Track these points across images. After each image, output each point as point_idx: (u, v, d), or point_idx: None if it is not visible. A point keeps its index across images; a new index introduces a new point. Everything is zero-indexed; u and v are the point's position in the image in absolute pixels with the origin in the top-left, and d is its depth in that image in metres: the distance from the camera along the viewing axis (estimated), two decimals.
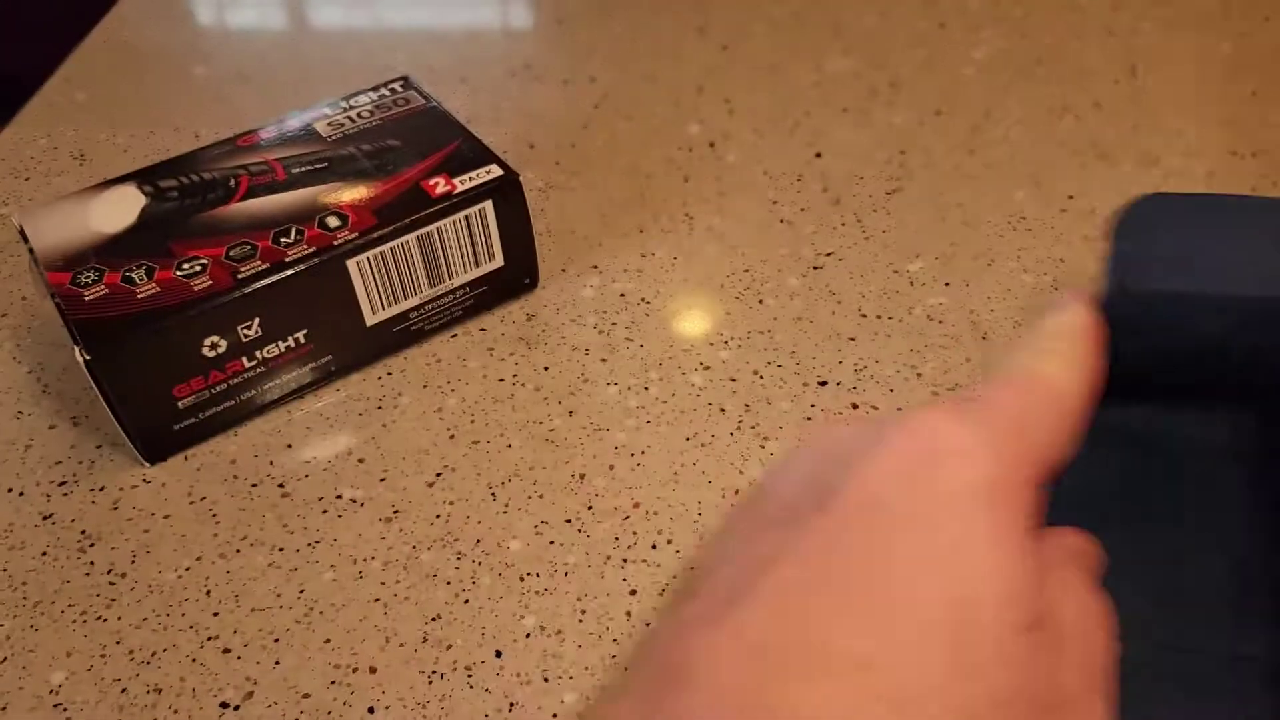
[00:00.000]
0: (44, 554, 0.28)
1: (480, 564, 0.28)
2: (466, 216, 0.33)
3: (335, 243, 0.31)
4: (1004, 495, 0.16)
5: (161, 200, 0.33)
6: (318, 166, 0.34)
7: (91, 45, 0.50)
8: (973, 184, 0.40)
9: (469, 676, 0.25)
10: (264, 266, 0.30)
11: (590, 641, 0.25)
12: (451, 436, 0.31)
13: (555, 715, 0.24)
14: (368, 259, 0.31)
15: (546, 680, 0.25)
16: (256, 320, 0.30)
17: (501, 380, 0.33)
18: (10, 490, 0.30)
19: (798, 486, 0.17)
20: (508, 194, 0.33)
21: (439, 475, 0.30)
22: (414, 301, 0.33)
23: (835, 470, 0.17)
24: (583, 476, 0.30)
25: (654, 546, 0.28)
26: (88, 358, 0.28)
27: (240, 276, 0.30)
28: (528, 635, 0.26)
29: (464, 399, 0.32)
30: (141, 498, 0.30)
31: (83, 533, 0.29)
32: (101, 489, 0.30)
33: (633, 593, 0.26)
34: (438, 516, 0.29)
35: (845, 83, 0.45)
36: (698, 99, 0.45)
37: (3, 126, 0.45)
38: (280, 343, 0.31)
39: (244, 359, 0.31)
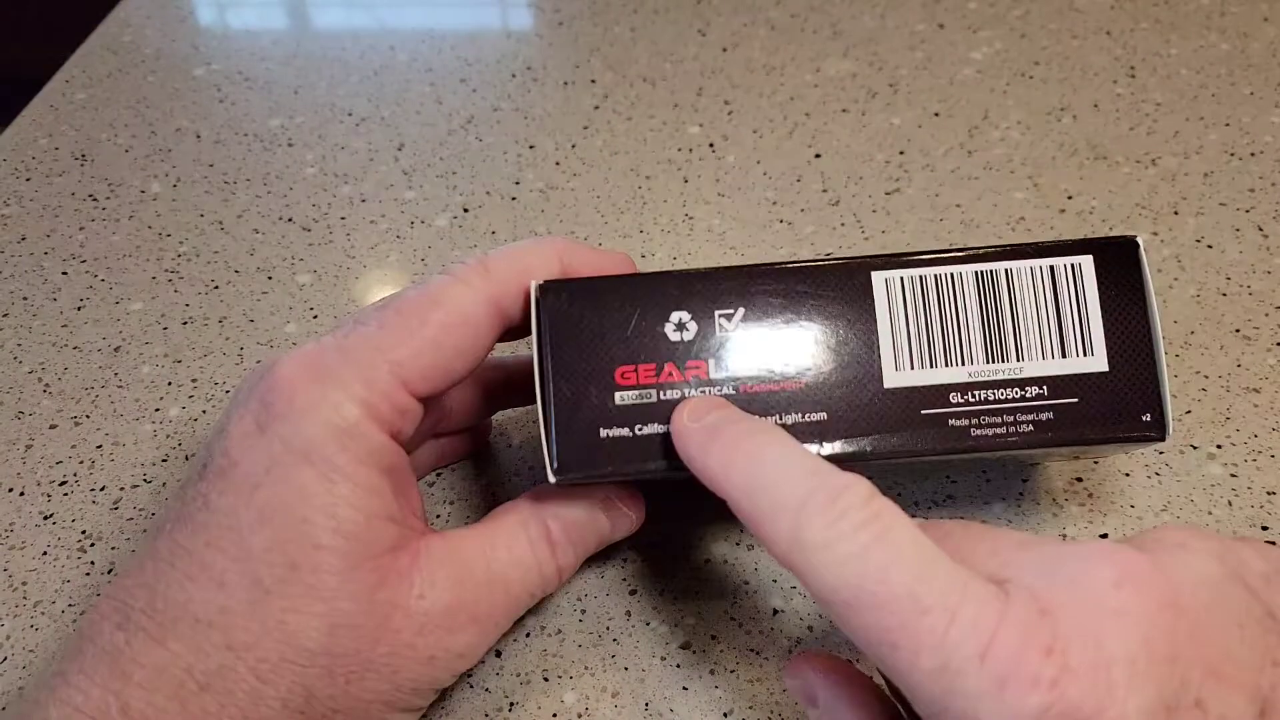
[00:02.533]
0: (44, 554, 0.28)
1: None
2: (1052, 267, 0.22)
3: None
4: (347, 438, 0.20)
5: None
6: None
7: (92, 46, 0.50)
8: (971, 185, 0.40)
9: (469, 676, 0.25)
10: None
11: (590, 641, 0.26)
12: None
13: (555, 715, 0.24)
14: (902, 279, 0.22)
15: (546, 680, 0.25)
16: (742, 310, 0.22)
17: None
18: (10, 490, 0.30)
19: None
20: (1119, 259, 0.22)
21: (439, 475, 0.30)
22: (958, 376, 0.22)
23: (215, 439, 0.21)
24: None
25: (654, 546, 0.28)
26: (538, 296, 0.22)
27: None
28: (527, 635, 0.26)
29: None
30: (142, 498, 0.30)
31: (83, 533, 0.29)
32: (102, 489, 0.30)
33: (633, 592, 0.26)
34: (437, 516, 0.29)
35: (844, 84, 0.46)
36: (698, 100, 0.45)
37: (4, 127, 0.45)
38: (764, 360, 0.22)
39: (712, 360, 0.22)
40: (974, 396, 0.22)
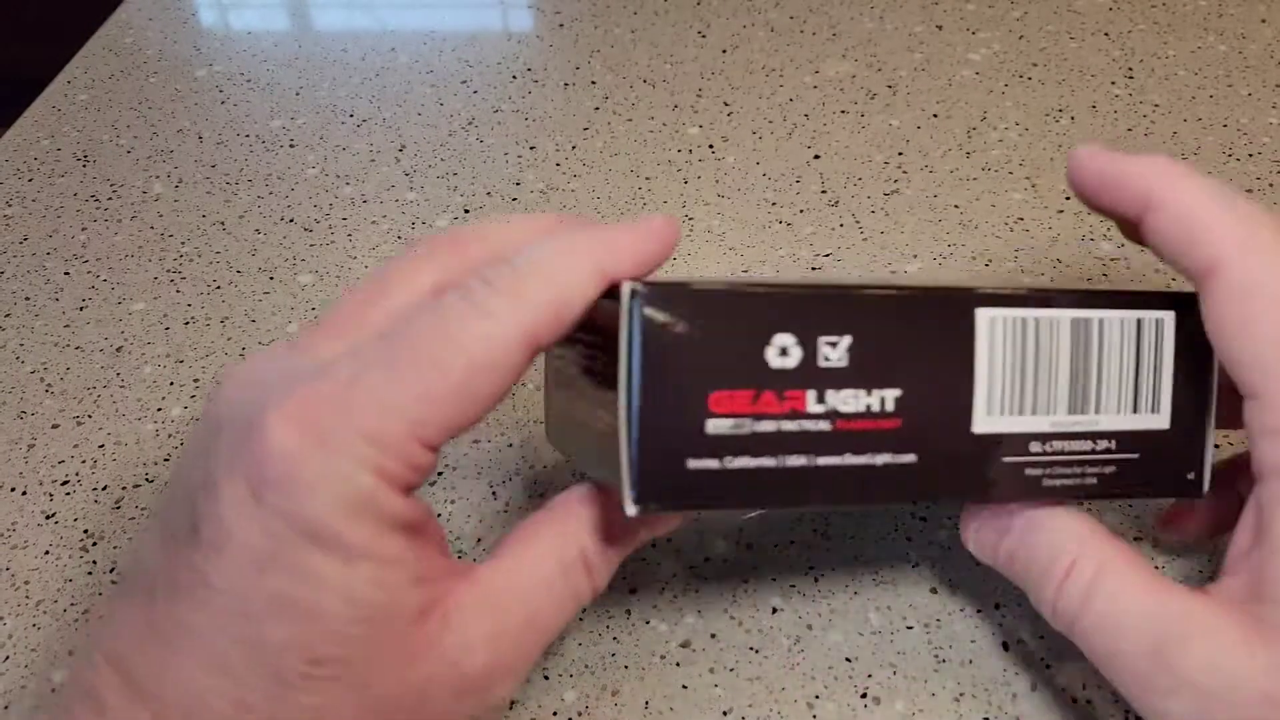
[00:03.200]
0: (46, 553, 0.28)
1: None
2: (1139, 321, 0.21)
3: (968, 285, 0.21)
4: (361, 511, 0.18)
5: None
6: None
7: (94, 47, 0.50)
8: (970, 186, 0.40)
9: None
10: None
11: (590, 640, 0.26)
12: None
13: (555, 714, 0.24)
14: (1006, 319, 0.21)
15: (547, 679, 0.25)
16: (848, 339, 0.20)
17: None
18: (13, 489, 0.30)
19: (179, 507, 0.19)
20: (1195, 316, 0.21)
21: (440, 474, 0.30)
22: (1042, 425, 0.21)
23: (203, 497, 0.18)
24: (583, 475, 0.30)
25: (654, 545, 0.28)
26: (630, 302, 0.19)
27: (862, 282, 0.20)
28: None
29: None
30: (145, 497, 0.30)
31: (85, 532, 0.29)
32: (104, 488, 0.30)
33: (633, 591, 0.27)
34: (438, 516, 0.29)
35: (843, 85, 0.46)
36: (697, 102, 0.45)
37: (6, 128, 0.45)
38: (864, 394, 0.20)
39: (812, 392, 0.20)
40: (1052, 447, 0.21)
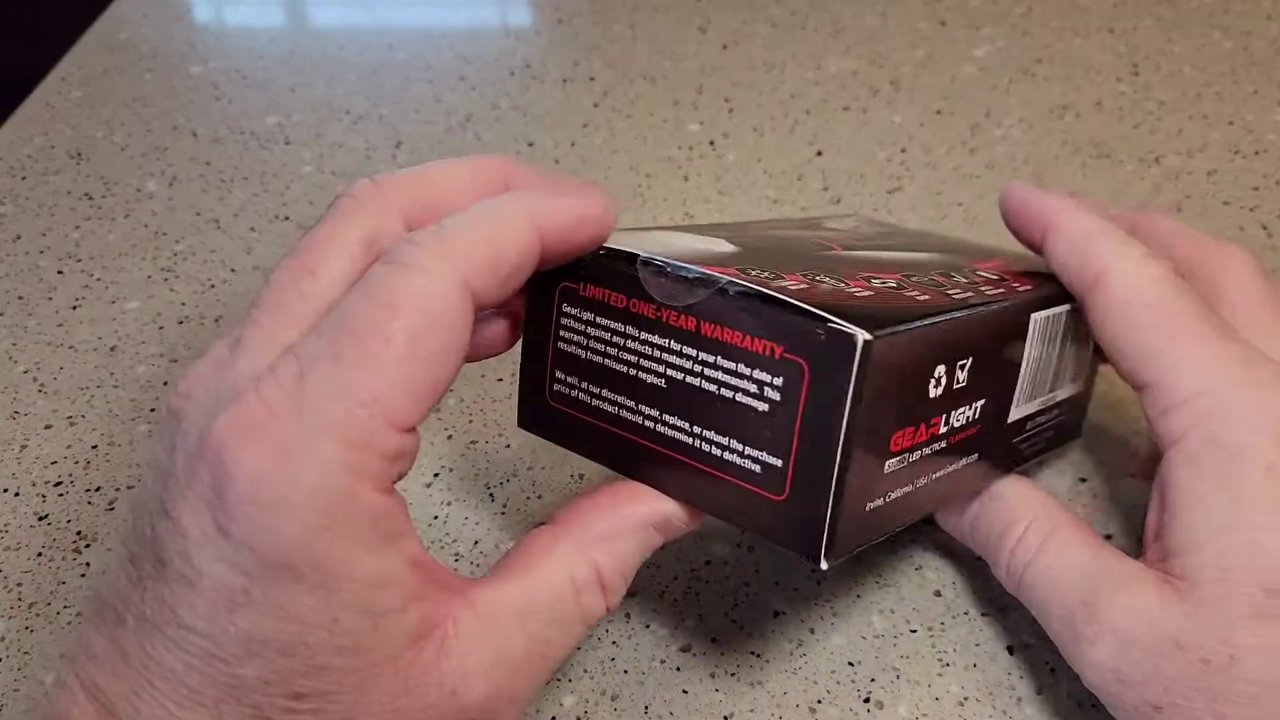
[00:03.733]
0: (39, 555, 0.28)
1: (479, 565, 0.27)
2: (1075, 309, 0.23)
3: (1017, 288, 0.22)
4: (336, 525, 0.16)
5: (744, 241, 0.23)
6: (897, 240, 0.27)
7: (88, 43, 0.50)
8: (973, 183, 0.39)
9: None
10: (967, 294, 0.21)
11: (589, 644, 0.25)
12: (449, 437, 0.31)
13: (554, 719, 0.24)
14: (1048, 318, 0.22)
15: (545, 682, 0.25)
16: (971, 359, 0.20)
17: (500, 380, 0.33)
18: (5, 490, 0.30)
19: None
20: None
21: (436, 475, 0.30)
22: (1037, 405, 0.23)
23: (165, 529, 0.17)
24: (582, 476, 0.29)
25: None
26: (869, 338, 0.17)
27: (955, 296, 0.20)
28: None
29: (462, 398, 0.32)
30: None
31: (78, 533, 0.29)
32: (98, 489, 0.30)
33: (632, 595, 0.26)
34: (435, 518, 0.29)
35: (845, 82, 0.45)
36: (698, 98, 0.45)
37: None
38: (968, 408, 0.20)
39: (944, 417, 0.20)
40: (1036, 422, 0.24)
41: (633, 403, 0.20)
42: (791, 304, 0.18)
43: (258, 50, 0.49)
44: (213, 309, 0.35)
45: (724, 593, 0.26)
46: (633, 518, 0.20)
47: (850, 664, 0.24)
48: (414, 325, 0.16)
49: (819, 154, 0.41)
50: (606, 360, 0.20)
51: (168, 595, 0.16)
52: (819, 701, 0.24)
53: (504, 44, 0.49)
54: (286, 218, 0.39)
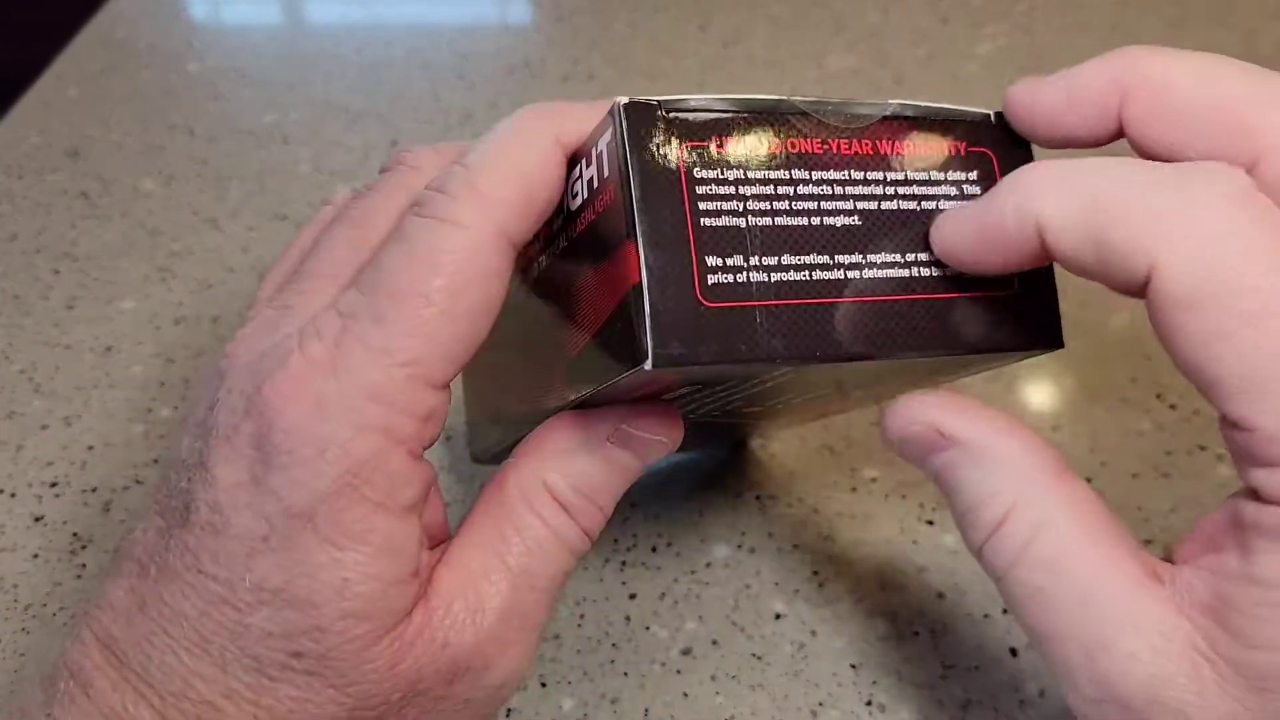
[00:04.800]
0: (35, 556, 0.28)
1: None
2: None
3: None
4: (363, 484, 0.17)
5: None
6: None
7: (84, 41, 0.50)
8: None
9: None
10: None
11: (589, 646, 0.25)
12: (449, 437, 0.31)
13: None
14: None
15: (544, 685, 0.24)
16: None
17: None
18: (1, 491, 0.30)
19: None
20: None
21: (435, 476, 0.30)
22: None
23: (198, 477, 0.17)
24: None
25: (654, 549, 0.27)
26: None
27: None
28: None
29: (461, 398, 0.32)
30: (134, 499, 0.29)
31: (74, 535, 0.28)
32: (94, 490, 0.30)
33: (632, 597, 0.26)
34: None
35: (847, 80, 0.45)
36: None
37: None
38: None
39: None
40: None
41: (828, 256, 0.17)
42: (949, 108, 0.18)
43: (255, 48, 0.49)
44: (210, 308, 0.35)
45: (724, 595, 0.26)
46: (582, 432, 0.19)
47: (852, 666, 0.24)
48: (454, 284, 0.16)
49: None
50: (776, 218, 0.17)
51: (192, 543, 0.17)
52: (821, 704, 0.24)
53: (503, 41, 0.49)
54: (284, 217, 0.39)
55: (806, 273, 0.17)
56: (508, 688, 0.19)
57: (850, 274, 0.17)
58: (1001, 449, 0.17)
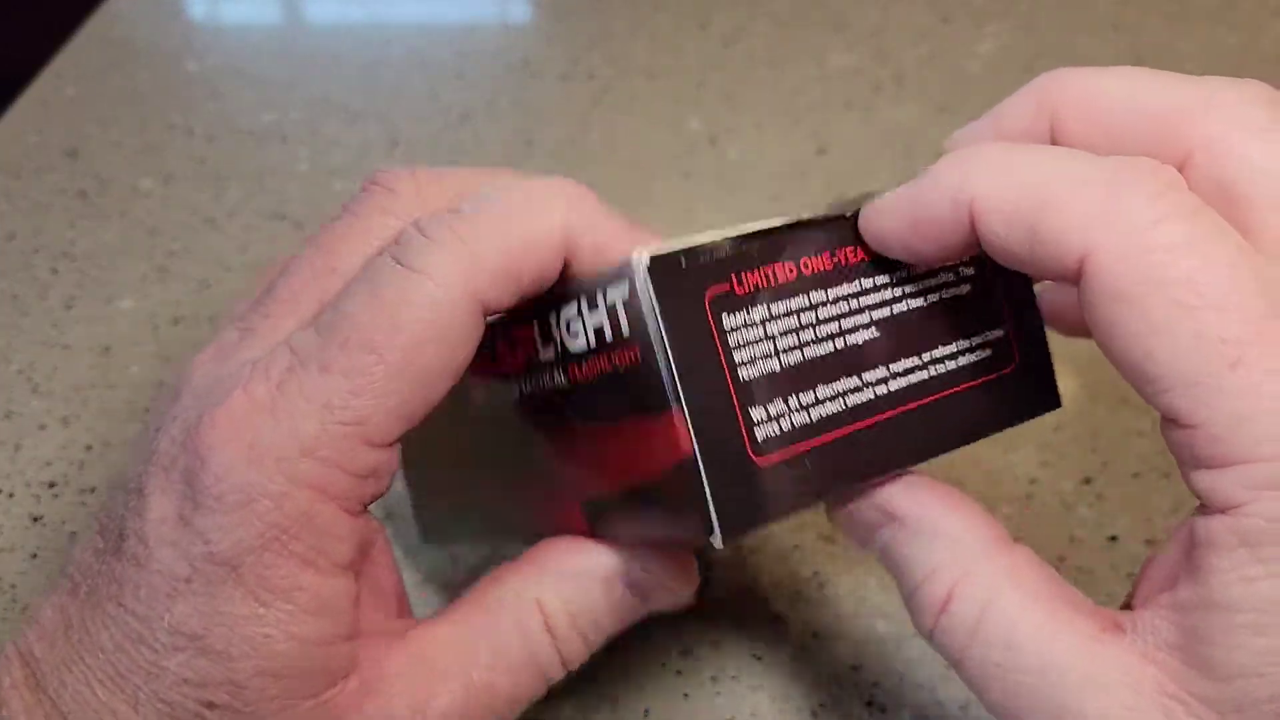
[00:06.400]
0: (34, 556, 0.28)
1: (477, 569, 0.27)
2: None
3: None
4: (290, 539, 0.16)
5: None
6: None
7: (82, 40, 0.49)
8: None
9: None
10: None
11: None
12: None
13: None
14: None
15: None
16: None
17: None
18: None
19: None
20: None
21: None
22: None
23: (133, 505, 0.17)
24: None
25: None
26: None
27: None
28: None
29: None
30: None
31: (72, 534, 0.28)
32: (92, 490, 0.30)
33: None
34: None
35: (848, 78, 0.45)
36: (699, 95, 0.44)
37: None
38: None
39: None
40: None
41: (856, 378, 0.17)
42: None
43: (254, 47, 0.49)
44: (208, 308, 0.35)
45: (725, 596, 0.26)
46: (587, 562, 0.18)
47: (853, 668, 0.24)
48: (413, 342, 0.15)
49: (822, 151, 0.41)
50: (805, 350, 0.16)
51: (119, 572, 0.16)
52: (821, 705, 0.24)
53: (502, 40, 0.49)
54: (282, 216, 0.39)
55: (841, 401, 0.16)
56: None
57: (878, 390, 0.17)
58: (941, 524, 0.17)
